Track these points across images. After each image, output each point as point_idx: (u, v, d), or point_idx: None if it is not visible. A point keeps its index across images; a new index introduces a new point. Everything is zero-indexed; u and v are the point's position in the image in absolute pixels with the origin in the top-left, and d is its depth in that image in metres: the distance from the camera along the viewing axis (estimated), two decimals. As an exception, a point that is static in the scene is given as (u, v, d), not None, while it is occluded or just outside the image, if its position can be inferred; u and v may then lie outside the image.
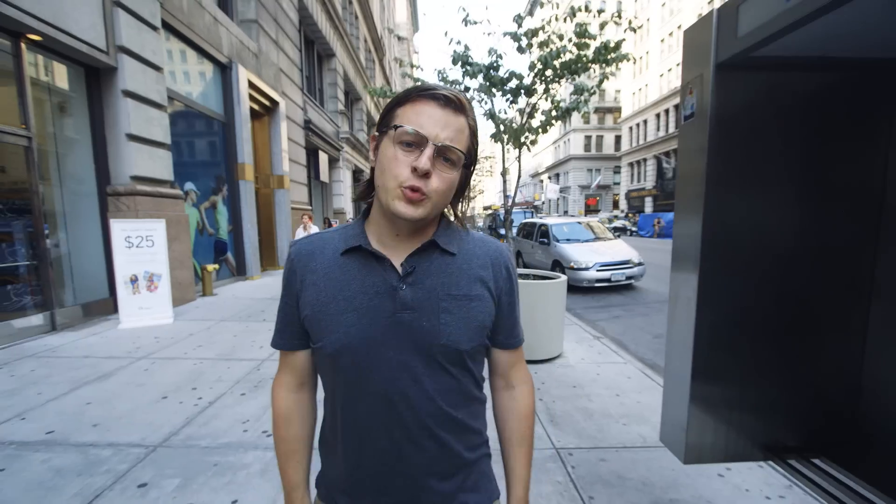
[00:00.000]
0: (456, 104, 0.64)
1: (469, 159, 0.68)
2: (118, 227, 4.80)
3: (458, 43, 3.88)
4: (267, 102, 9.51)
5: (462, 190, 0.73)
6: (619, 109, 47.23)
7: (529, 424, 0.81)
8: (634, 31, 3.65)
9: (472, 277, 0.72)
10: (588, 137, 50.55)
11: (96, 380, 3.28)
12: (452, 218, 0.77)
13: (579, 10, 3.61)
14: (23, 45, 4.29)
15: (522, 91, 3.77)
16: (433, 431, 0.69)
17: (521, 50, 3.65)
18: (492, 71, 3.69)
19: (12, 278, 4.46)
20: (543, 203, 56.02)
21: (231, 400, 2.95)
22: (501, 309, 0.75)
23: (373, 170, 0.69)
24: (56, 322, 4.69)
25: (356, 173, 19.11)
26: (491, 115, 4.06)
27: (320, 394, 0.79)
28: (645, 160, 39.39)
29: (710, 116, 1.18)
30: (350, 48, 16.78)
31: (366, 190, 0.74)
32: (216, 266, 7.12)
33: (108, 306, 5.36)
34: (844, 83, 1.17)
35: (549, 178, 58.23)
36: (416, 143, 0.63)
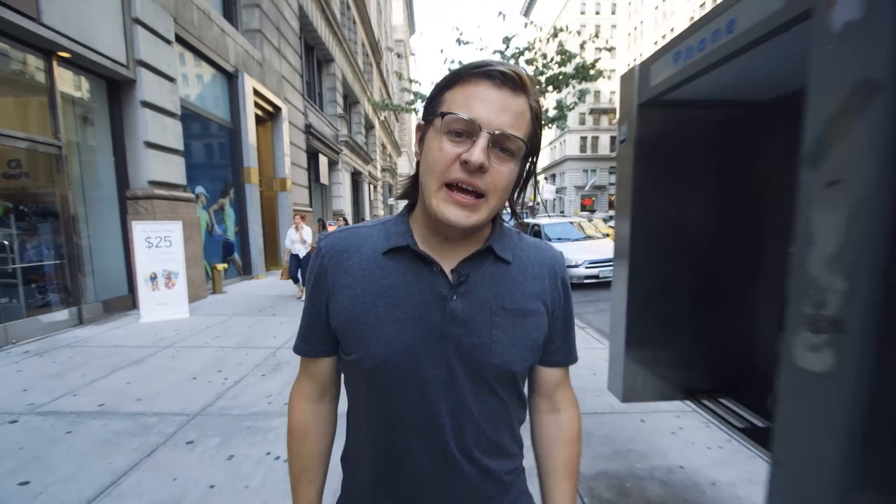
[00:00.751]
0: (515, 82, 0.54)
1: (531, 147, 0.58)
2: (139, 229, 5.19)
3: (453, 62, 4.32)
4: (270, 108, 9.91)
5: (523, 184, 0.63)
6: (614, 111, 47.77)
7: (577, 454, 0.72)
8: (609, 51, 4.08)
9: (527, 289, 0.64)
10: (584, 138, 51.15)
11: (130, 364, 3.67)
12: (509, 215, 0.68)
13: (560, 30, 4.04)
14: (54, 62, 4.68)
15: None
16: (476, 458, 0.62)
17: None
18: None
19: (40, 277, 4.84)
20: (539, 203, 56.59)
21: (254, 380, 3.35)
22: (555, 323, 0.67)
23: (418, 164, 0.61)
24: (83, 317, 5.07)
25: (355, 175, 19.52)
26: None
27: (342, 405, 0.71)
28: (639, 161, 39.98)
29: (635, 141, 1.59)
30: (348, 53, 17.19)
31: (410, 187, 0.66)
32: (225, 265, 7.52)
33: (126, 302, 5.74)
34: (732, 117, 1.59)
35: (546, 178, 58.82)
36: (467, 131, 0.53)
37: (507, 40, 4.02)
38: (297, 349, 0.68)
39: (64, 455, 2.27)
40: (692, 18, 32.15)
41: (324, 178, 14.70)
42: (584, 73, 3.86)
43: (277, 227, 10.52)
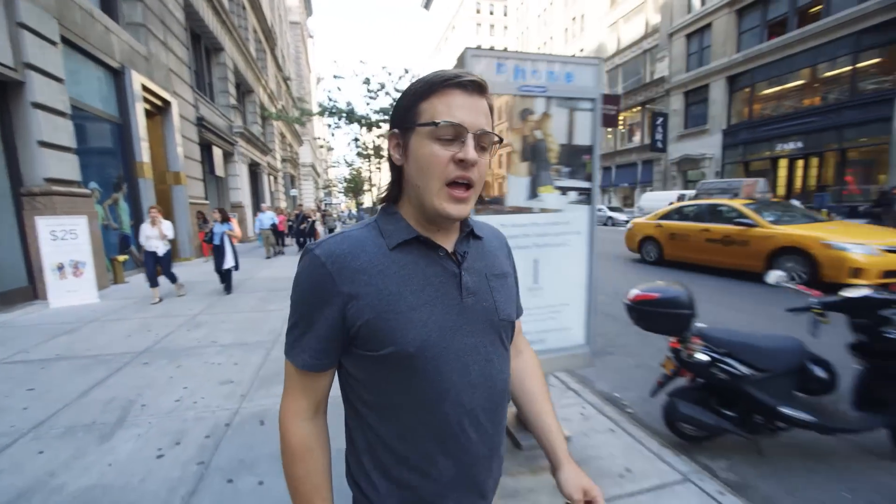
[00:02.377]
0: (480, 87, 0.63)
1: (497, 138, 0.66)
2: (43, 223, 5.64)
3: (330, 99, 5.69)
4: (160, 102, 10.03)
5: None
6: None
7: (545, 383, 0.85)
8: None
9: (499, 257, 0.77)
10: (482, 131, 54.70)
11: (67, 333, 4.48)
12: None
13: (405, 74, 5.65)
14: (-58, 68, 4.93)
15: (373, 125, 5.73)
16: (502, 406, 0.73)
17: (371, 99, 5.56)
18: (351, 113, 5.56)
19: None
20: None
21: (182, 332, 4.47)
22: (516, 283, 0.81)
23: (397, 169, 0.68)
24: (-14, 306, 5.42)
25: (253, 167, 19.33)
26: (355, 139, 5.96)
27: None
28: (528, 153, 44.51)
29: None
30: (239, 41, 16.93)
31: (393, 190, 0.70)
32: (125, 256, 7.88)
33: (27, 293, 6.07)
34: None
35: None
36: (455, 135, 0.61)
37: (367, 82, 5.48)
38: (307, 365, 0.66)
39: (48, 379, 3.28)
40: (566, 30, 36.77)
41: (219, 171, 14.66)
42: None
43: (174, 221, 10.71)
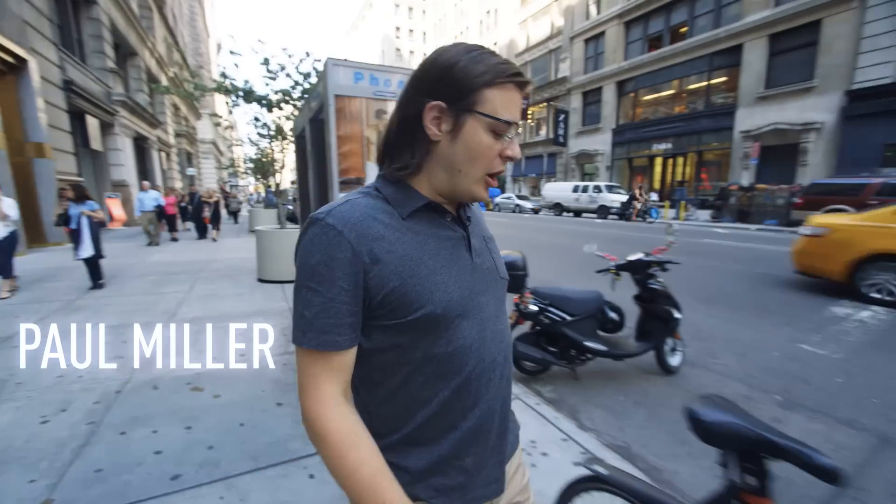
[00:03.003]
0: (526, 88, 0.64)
1: None
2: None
3: (224, 76, 5.55)
4: (12, 60, 8.58)
5: None
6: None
7: None
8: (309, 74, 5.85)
9: (482, 221, 0.82)
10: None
11: None
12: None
13: (306, 57, 5.74)
14: None
15: (273, 105, 5.74)
16: (509, 359, 0.75)
17: (272, 79, 5.55)
18: (248, 93, 5.51)
19: None
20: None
21: (57, 318, 4.20)
22: None
23: (427, 141, 0.64)
24: None
25: (139, 141, 17.19)
26: (255, 119, 5.92)
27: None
28: (447, 141, 45.45)
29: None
30: (116, -5, 14.79)
31: (413, 162, 0.66)
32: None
33: None
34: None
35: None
36: (505, 132, 0.63)
37: (266, 62, 5.45)
38: (335, 344, 0.61)
39: None
40: (481, 22, 37.95)
41: (95, 143, 12.90)
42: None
43: (38, 200, 9.35)
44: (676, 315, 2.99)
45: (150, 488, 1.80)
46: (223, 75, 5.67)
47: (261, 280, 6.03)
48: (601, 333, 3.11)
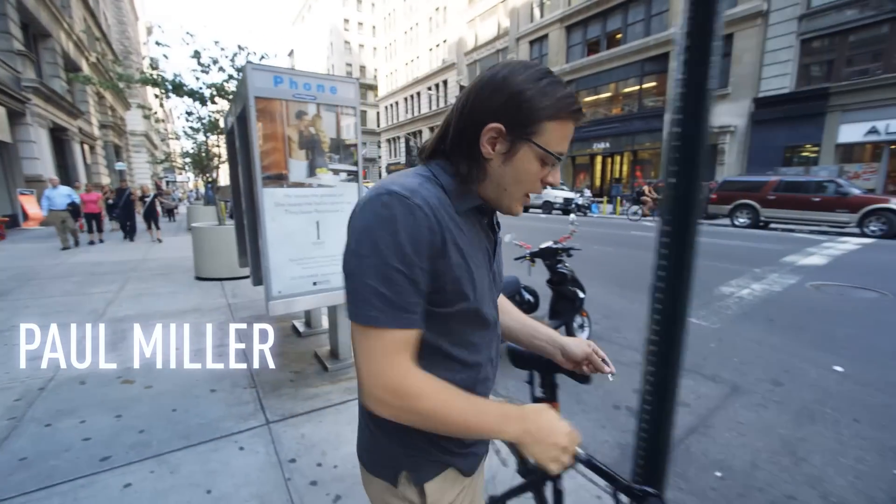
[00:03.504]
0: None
1: None
2: None
3: (153, 67, 5.37)
4: None
5: None
6: (377, 87, 51.47)
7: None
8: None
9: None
10: (353, 111, 53.17)
11: None
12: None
13: (239, 52, 5.69)
14: None
15: (206, 99, 5.64)
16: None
17: (203, 72, 5.45)
18: (178, 87, 5.39)
19: None
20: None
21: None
22: None
23: (479, 156, 0.66)
24: None
25: (57, 132, 15.68)
26: (188, 113, 5.78)
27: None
28: (398, 138, 45.36)
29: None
30: (23, -31, 13.37)
31: (471, 174, 0.67)
32: None
33: None
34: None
35: (319, 147, 58.55)
36: (553, 162, 0.67)
37: (197, 55, 5.34)
38: (413, 322, 0.61)
39: None
40: (431, 19, 38.10)
41: (2, 135, 11.67)
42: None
43: (-68, 196, 8.37)
44: (581, 295, 3.42)
45: (79, 470, 1.88)
46: (152, 66, 5.47)
47: (198, 278, 5.90)
48: (519, 314, 3.48)
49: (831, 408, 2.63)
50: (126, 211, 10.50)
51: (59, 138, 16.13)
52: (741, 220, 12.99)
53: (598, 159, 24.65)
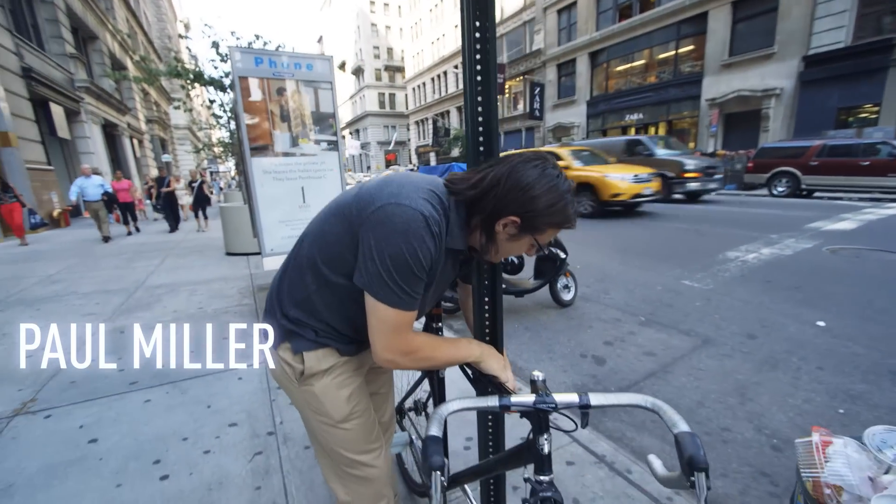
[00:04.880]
0: None
1: None
2: None
3: (177, 59, 5.84)
4: (-33, 49, 8.60)
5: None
6: (404, 69, 51.27)
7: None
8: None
9: None
10: (381, 94, 53.52)
11: None
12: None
13: (255, 40, 6.05)
14: None
15: (224, 87, 6.06)
16: None
17: (222, 61, 5.86)
18: (199, 76, 5.84)
19: None
20: (346, 159, 57.43)
21: (34, 290, 4.65)
22: None
23: (492, 224, 0.84)
24: None
25: (109, 128, 17.06)
26: (211, 101, 6.26)
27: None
28: (427, 119, 45.26)
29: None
30: (70, -24, 14.42)
31: (480, 228, 0.87)
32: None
33: None
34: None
35: (350, 133, 59.65)
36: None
37: (215, 45, 5.74)
38: (417, 307, 0.85)
39: None
40: (436, 6, 37.20)
41: (62, 132, 12.90)
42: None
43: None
44: (562, 256, 3.56)
45: (113, 390, 2.34)
46: (176, 59, 5.97)
47: (228, 254, 6.48)
48: (504, 276, 3.68)
49: (798, 357, 2.68)
50: (166, 201, 10.01)
51: (110, 133, 17.54)
52: (780, 189, 12.24)
53: (632, 131, 23.63)
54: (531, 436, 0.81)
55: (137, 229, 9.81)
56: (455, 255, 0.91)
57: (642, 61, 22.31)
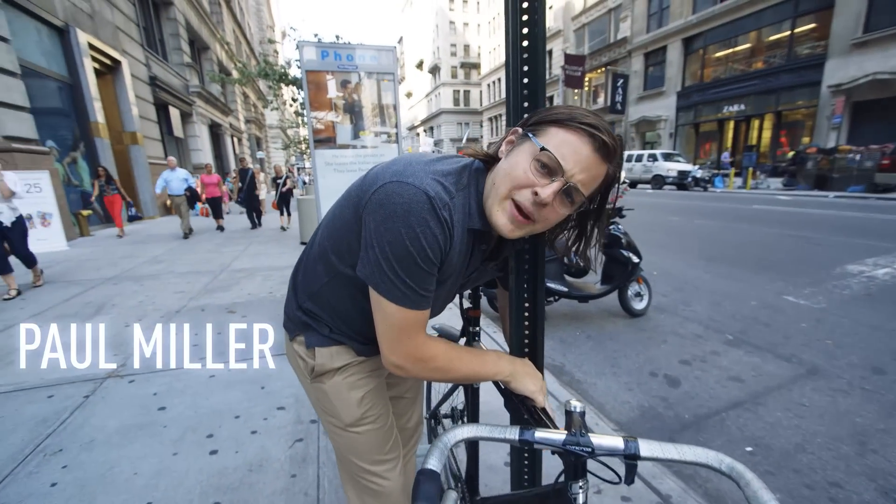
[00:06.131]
0: (608, 151, 0.62)
1: (587, 205, 0.68)
2: (9, 177, 6.23)
3: (266, 62, 6.34)
4: (109, 62, 10.20)
5: (564, 224, 0.73)
6: (479, 66, 51.13)
7: None
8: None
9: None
10: (456, 92, 53.97)
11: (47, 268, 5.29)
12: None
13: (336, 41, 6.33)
14: None
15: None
16: None
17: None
18: (283, 76, 6.26)
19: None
20: (419, 155, 58.66)
21: (142, 268, 5.35)
22: None
23: (495, 159, 0.71)
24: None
25: (214, 128, 19.30)
26: (293, 99, 6.71)
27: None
28: (501, 115, 44.70)
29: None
30: (190, -5, 16.49)
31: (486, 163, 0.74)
32: (89, 211, 8.48)
33: None
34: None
35: (424, 131, 61.08)
36: (551, 170, 0.62)
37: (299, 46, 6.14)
38: (428, 306, 0.72)
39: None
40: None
41: (177, 131, 14.83)
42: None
43: (134, 180, 11.19)
44: (634, 260, 3.20)
45: (180, 363, 2.57)
46: (265, 61, 6.49)
47: (302, 243, 6.92)
48: (568, 278, 3.41)
49: (948, 405, 2.10)
50: (249, 195, 9.47)
51: (215, 133, 19.83)
52: (925, 192, 10.05)
53: (730, 125, 21.07)
54: (562, 477, 0.66)
55: (221, 228, 9.14)
56: (477, 242, 0.76)
57: (747, 45, 19.74)
